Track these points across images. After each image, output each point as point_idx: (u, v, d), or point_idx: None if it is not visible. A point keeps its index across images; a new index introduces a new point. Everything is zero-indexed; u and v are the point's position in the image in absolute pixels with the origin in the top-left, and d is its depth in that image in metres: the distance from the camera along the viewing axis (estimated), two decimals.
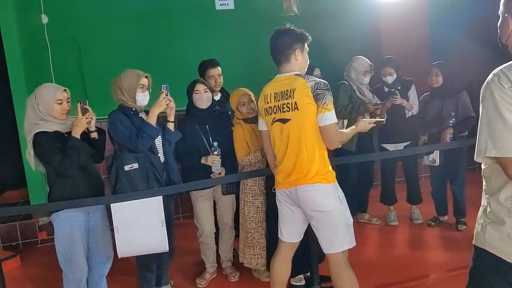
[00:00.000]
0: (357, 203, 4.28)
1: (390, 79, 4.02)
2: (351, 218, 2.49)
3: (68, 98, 2.60)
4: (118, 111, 2.76)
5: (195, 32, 5.32)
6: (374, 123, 2.66)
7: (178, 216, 4.77)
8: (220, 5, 5.21)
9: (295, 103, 2.35)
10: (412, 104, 4.00)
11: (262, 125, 2.61)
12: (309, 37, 2.49)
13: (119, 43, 5.15)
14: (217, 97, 3.64)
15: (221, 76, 3.62)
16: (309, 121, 2.34)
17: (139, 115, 2.82)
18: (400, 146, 4.06)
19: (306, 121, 2.35)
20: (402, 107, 3.94)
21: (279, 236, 2.63)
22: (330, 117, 2.31)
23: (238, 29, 5.39)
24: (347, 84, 3.96)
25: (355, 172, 4.08)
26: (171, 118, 2.87)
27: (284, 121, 2.41)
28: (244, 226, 3.21)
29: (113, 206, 2.61)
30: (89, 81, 5.00)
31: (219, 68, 3.60)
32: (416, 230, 4.15)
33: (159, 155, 2.83)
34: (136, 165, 2.67)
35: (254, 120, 3.03)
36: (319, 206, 2.38)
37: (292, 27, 2.46)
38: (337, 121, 2.36)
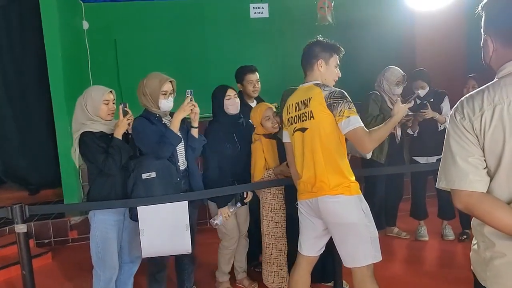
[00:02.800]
0: (385, 217, 4.19)
1: (422, 92, 3.91)
2: (376, 231, 2.43)
3: (114, 99, 2.72)
4: (142, 118, 2.76)
5: (229, 40, 5.40)
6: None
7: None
8: (255, 13, 5.27)
9: (311, 111, 2.35)
10: (445, 117, 3.89)
11: (286, 137, 2.61)
12: (341, 49, 2.48)
13: (155, 49, 5.31)
14: (253, 104, 3.66)
15: (259, 82, 3.65)
16: (324, 130, 2.33)
17: (163, 121, 2.79)
18: (432, 159, 3.94)
19: (322, 129, 2.33)
20: (435, 120, 3.85)
21: (298, 249, 2.60)
22: (349, 123, 2.25)
23: (272, 37, 5.43)
24: (378, 94, 3.89)
25: (383, 184, 4.00)
26: (195, 123, 2.83)
27: (303, 130, 2.41)
28: (263, 241, 3.15)
29: (140, 209, 2.66)
30: (125, 85, 5.16)
31: (257, 74, 3.63)
32: (447, 246, 4.01)
33: (179, 162, 2.79)
34: (153, 174, 2.65)
35: (274, 136, 3.02)
36: (340, 218, 2.34)
37: (322, 39, 2.48)
38: (361, 125, 2.26)
